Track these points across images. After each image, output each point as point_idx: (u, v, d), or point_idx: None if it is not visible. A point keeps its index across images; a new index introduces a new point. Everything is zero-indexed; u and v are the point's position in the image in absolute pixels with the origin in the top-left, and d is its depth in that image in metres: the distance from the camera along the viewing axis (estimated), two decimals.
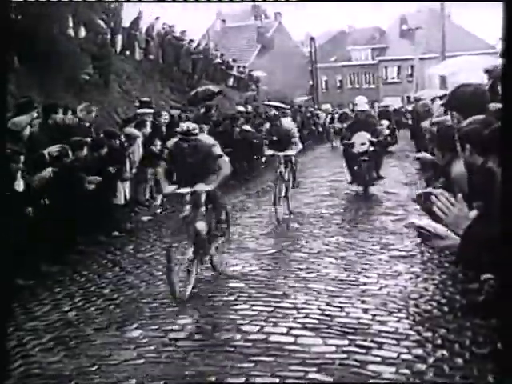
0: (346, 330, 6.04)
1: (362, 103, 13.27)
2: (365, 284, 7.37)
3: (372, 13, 24.50)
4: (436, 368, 5.23)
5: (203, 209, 7.43)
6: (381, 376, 5.15)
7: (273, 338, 5.93)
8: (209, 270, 7.93)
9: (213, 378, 5.24)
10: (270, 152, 11.31)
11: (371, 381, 5.11)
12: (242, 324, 6.30)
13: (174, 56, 20.06)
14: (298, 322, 6.29)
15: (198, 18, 20.81)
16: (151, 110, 12.86)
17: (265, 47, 24.55)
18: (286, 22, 25.22)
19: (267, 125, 12.07)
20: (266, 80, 23.16)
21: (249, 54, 24.54)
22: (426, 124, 11.89)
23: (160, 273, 8.16)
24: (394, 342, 5.73)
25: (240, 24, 25.37)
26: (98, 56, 16.31)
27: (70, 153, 9.23)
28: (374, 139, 12.64)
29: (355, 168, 12.81)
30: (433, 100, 14.77)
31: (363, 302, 6.77)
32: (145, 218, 11.57)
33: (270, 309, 6.69)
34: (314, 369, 5.29)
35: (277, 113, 12.47)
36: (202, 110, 15.05)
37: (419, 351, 5.53)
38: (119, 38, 18.59)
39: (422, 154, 8.40)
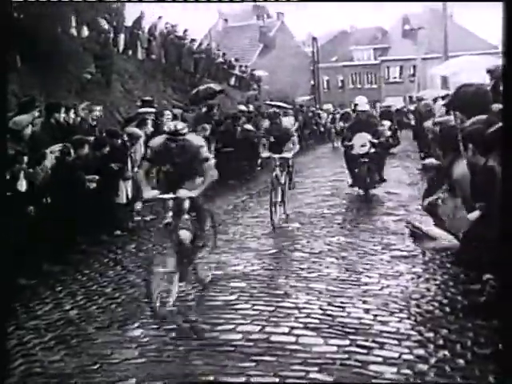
0: (348, 330, 6.04)
1: (362, 103, 12.99)
2: (366, 284, 7.37)
3: (373, 13, 24.43)
4: (437, 368, 5.23)
5: (186, 216, 6.95)
6: (382, 376, 5.16)
7: (274, 338, 5.94)
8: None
9: (212, 377, 5.25)
10: (266, 154, 10.88)
11: (372, 381, 5.12)
12: (243, 324, 6.31)
13: (176, 55, 20.05)
14: (300, 322, 6.29)
15: (200, 17, 20.78)
16: (153, 110, 12.86)
17: (267, 47, 24.52)
18: (287, 22, 25.21)
19: (266, 123, 11.62)
20: (267, 79, 23.13)
21: (251, 53, 24.51)
22: (428, 124, 11.88)
23: None
24: (396, 342, 5.73)
25: (242, 24, 25.34)
26: (100, 55, 16.32)
27: (71, 151, 9.24)
28: (375, 140, 12.28)
29: (356, 170, 12.47)
30: (435, 100, 14.76)
31: (364, 302, 6.77)
32: (147, 217, 11.56)
33: (272, 308, 6.70)
34: (316, 368, 5.29)
35: (277, 110, 11.94)
36: (204, 110, 15.04)
37: (421, 351, 5.53)
38: (121, 37, 18.58)
39: (429, 160, 8.29)
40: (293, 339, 5.90)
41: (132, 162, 10.94)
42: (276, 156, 10.59)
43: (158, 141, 7.09)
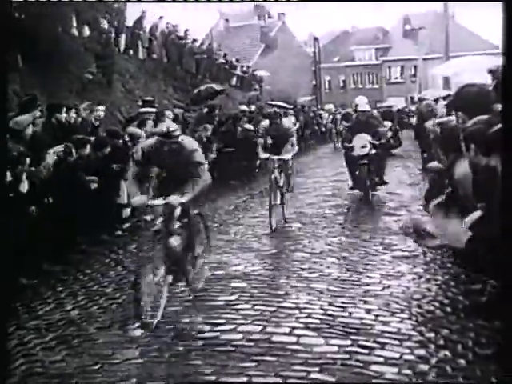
0: (349, 330, 6.04)
1: (362, 103, 12.61)
2: (367, 284, 7.37)
3: (374, 13, 24.42)
4: (439, 369, 5.23)
5: (177, 224, 6.57)
6: (383, 376, 5.15)
7: (275, 338, 5.93)
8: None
9: (213, 378, 5.25)
10: (264, 155, 10.58)
11: (373, 381, 5.11)
12: (243, 324, 6.30)
13: (177, 55, 20.07)
14: (301, 322, 6.28)
15: (202, 17, 20.81)
16: (153, 109, 12.86)
17: (268, 47, 24.52)
18: (289, 22, 25.20)
19: (266, 123, 11.19)
20: (269, 80, 23.13)
21: (252, 53, 24.51)
22: (429, 124, 11.87)
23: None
24: (397, 342, 5.73)
25: (243, 23, 25.34)
26: (101, 55, 16.33)
27: (73, 151, 9.25)
28: (376, 141, 11.94)
29: (356, 172, 12.15)
30: (436, 100, 14.74)
31: (366, 302, 6.76)
32: (148, 217, 11.54)
33: (273, 309, 6.69)
34: (316, 369, 5.29)
35: (278, 110, 11.59)
36: (206, 110, 15.04)
37: (422, 352, 5.52)
38: (123, 37, 18.60)
39: (434, 164, 8.20)
40: (294, 339, 5.89)
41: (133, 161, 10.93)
42: (275, 157, 10.37)
43: (148, 142, 6.76)
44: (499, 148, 3.60)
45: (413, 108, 21.88)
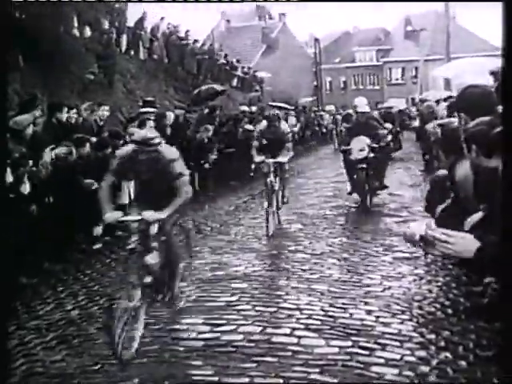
0: (350, 331, 6.03)
1: (361, 104, 12.01)
2: (368, 285, 7.36)
3: (375, 14, 24.45)
4: (439, 370, 5.22)
5: (154, 243, 5.90)
6: (384, 378, 5.14)
7: (275, 339, 5.93)
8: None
9: (214, 379, 5.24)
10: (259, 159, 10.21)
11: (374, 382, 5.10)
12: (244, 324, 6.30)
13: (178, 56, 20.09)
14: (301, 323, 6.28)
15: (202, 18, 20.85)
16: (153, 109, 12.87)
17: (269, 48, 24.54)
18: (290, 23, 25.22)
19: (263, 125, 10.83)
20: (270, 81, 23.15)
21: (253, 54, 24.52)
22: (430, 126, 11.88)
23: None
24: (398, 343, 5.72)
25: (244, 24, 25.36)
26: (102, 55, 16.36)
27: (73, 150, 9.24)
28: (375, 144, 11.40)
29: (354, 177, 11.63)
30: (437, 102, 14.73)
31: (366, 303, 6.76)
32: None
33: (273, 309, 6.69)
34: (317, 370, 5.28)
35: (277, 113, 11.25)
36: (206, 111, 15.05)
37: (422, 353, 5.52)
38: (124, 37, 18.62)
39: (442, 172, 8.08)
40: (294, 340, 5.89)
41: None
42: (270, 161, 10.05)
43: (124, 150, 6.15)
44: (501, 149, 3.58)
45: (413, 109, 21.89)
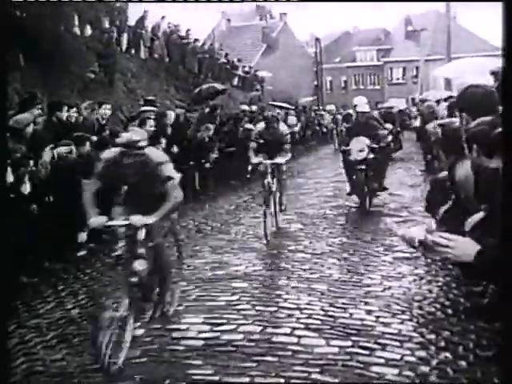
0: (350, 331, 6.03)
1: (361, 104, 11.78)
2: (368, 285, 7.37)
3: (375, 14, 24.45)
4: (439, 370, 5.22)
5: (142, 249, 5.62)
6: (384, 378, 5.15)
7: (276, 339, 5.93)
8: None
9: (215, 378, 5.25)
10: (256, 160, 9.96)
11: (374, 382, 5.11)
12: (244, 324, 6.30)
13: (179, 55, 20.09)
14: (301, 323, 6.28)
15: (203, 17, 20.85)
16: (153, 108, 12.87)
17: (270, 47, 24.53)
18: (290, 23, 25.22)
19: (261, 126, 10.53)
20: (270, 80, 23.14)
21: (254, 53, 24.51)
22: (430, 126, 11.86)
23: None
24: (398, 343, 5.72)
25: (245, 24, 25.36)
26: (103, 54, 16.34)
27: (74, 149, 9.24)
28: (375, 145, 11.17)
29: (354, 177, 11.41)
30: (437, 102, 14.72)
31: (367, 303, 6.76)
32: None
33: (273, 309, 6.69)
34: (317, 369, 5.29)
35: (275, 114, 11.07)
36: (207, 110, 15.05)
37: (423, 353, 5.52)
38: (124, 36, 18.62)
39: (443, 174, 8.05)
40: (294, 340, 5.89)
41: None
42: (268, 162, 9.81)
43: (110, 153, 5.87)
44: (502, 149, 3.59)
45: (414, 109, 21.87)
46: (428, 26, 23.81)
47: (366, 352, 5.57)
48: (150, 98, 14.57)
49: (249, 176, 13.38)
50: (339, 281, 7.57)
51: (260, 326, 6.23)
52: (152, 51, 19.58)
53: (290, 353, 5.61)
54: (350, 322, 6.24)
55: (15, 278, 7.37)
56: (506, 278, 3.10)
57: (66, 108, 10.78)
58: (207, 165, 13.65)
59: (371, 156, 11.09)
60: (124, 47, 18.63)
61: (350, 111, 15.74)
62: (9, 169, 7.57)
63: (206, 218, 11.46)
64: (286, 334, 6.03)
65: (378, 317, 6.36)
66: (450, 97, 12.96)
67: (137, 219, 5.49)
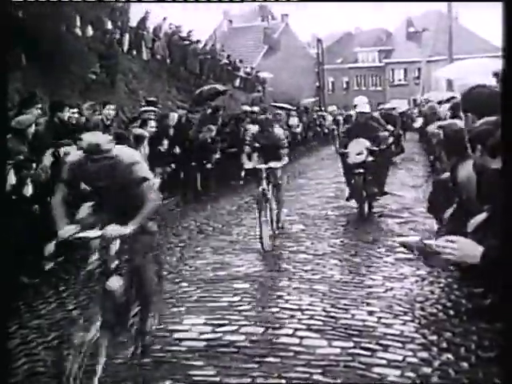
0: (351, 332, 6.02)
1: (361, 104, 11.28)
2: (370, 286, 7.36)
3: (377, 15, 24.48)
4: (441, 371, 5.21)
5: (116, 262, 5.02)
6: (386, 379, 5.14)
7: (277, 340, 5.92)
8: None
9: (216, 379, 5.24)
10: (250, 165, 9.46)
11: (376, 383, 5.10)
12: (246, 325, 6.29)
13: (180, 56, 20.12)
14: (303, 324, 6.27)
15: (204, 18, 20.87)
16: (154, 108, 12.88)
17: (271, 48, 24.56)
18: (292, 24, 25.24)
19: (254, 129, 10.01)
20: (272, 81, 23.17)
21: (255, 54, 24.54)
22: (431, 128, 11.83)
23: (165, 272, 8.16)
24: (400, 344, 5.71)
25: (247, 25, 25.38)
26: (105, 55, 16.37)
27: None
28: (375, 148, 10.67)
29: (352, 181, 10.90)
30: (440, 102, 14.71)
31: (368, 304, 6.75)
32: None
33: (275, 310, 6.69)
34: (319, 370, 5.28)
35: (269, 117, 10.39)
36: (209, 111, 15.07)
37: (425, 354, 5.51)
38: (126, 37, 18.65)
39: (445, 175, 8.00)
40: (296, 341, 5.88)
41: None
42: (262, 166, 9.22)
43: (74, 156, 5.24)
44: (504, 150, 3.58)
45: (415, 111, 21.88)
46: (429, 26, 23.83)
47: (368, 353, 5.56)
48: (151, 98, 14.60)
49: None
50: (341, 282, 7.56)
51: (262, 327, 6.22)
52: (154, 52, 19.62)
53: (291, 354, 5.60)
54: (351, 323, 6.23)
55: (17, 278, 7.36)
56: (507, 278, 3.09)
57: (67, 109, 10.79)
58: (209, 166, 13.67)
59: (370, 159, 10.62)
60: (126, 48, 18.67)
61: (352, 112, 15.55)
62: (11, 171, 7.57)
63: (207, 219, 11.46)
64: (287, 335, 6.02)
65: (379, 318, 6.35)
66: (453, 98, 12.94)
67: (110, 229, 4.82)
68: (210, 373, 5.32)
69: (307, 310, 6.64)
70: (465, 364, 5.32)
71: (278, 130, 10.02)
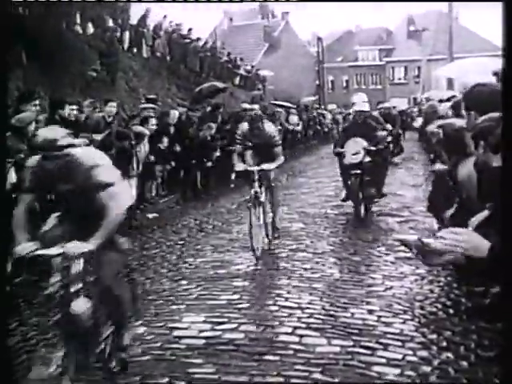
0: (351, 330, 6.03)
1: (360, 102, 10.75)
2: (370, 285, 7.36)
3: (377, 13, 24.47)
4: (441, 370, 5.21)
5: (79, 285, 4.40)
6: (385, 377, 5.14)
7: (277, 338, 5.92)
8: None
9: (215, 377, 5.25)
10: (241, 167, 8.92)
11: (376, 382, 5.10)
12: (245, 323, 6.30)
13: (181, 54, 20.12)
14: (303, 322, 6.28)
15: (203, 17, 20.86)
16: (153, 105, 12.88)
17: (272, 46, 24.55)
18: (292, 22, 25.23)
19: (243, 126, 9.25)
20: (272, 79, 23.17)
21: (255, 53, 24.53)
22: (431, 128, 11.80)
23: (165, 270, 8.18)
24: (399, 343, 5.71)
25: (247, 23, 25.38)
26: (105, 53, 16.37)
27: None
28: (372, 147, 10.27)
29: (349, 182, 10.52)
30: (440, 101, 14.71)
31: (368, 303, 6.75)
32: (150, 215, 11.59)
33: (274, 308, 6.69)
34: (319, 369, 5.28)
35: (258, 113, 9.63)
36: (209, 109, 15.07)
37: (424, 353, 5.51)
38: (127, 35, 18.65)
39: (437, 167, 8.07)
40: (296, 339, 5.89)
41: (137, 160, 10.93)
42: (254, 168, 8.70)
43: (33, 160, 4.57)
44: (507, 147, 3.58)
45: (415, 109, 21.88)
46: (430, 25, 23.83)
47: (368, 352, 5.56)
48: (151, 96, 14.59)
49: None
50: (340, 280, 7.56)
51: (261, 325, 6.22)
52: (154, 50, 19.62)
53: (291, 352, 5.61)
54: (351, 322, 6.23)
55: (17, 275, 7.35)
56: (507, 277, 3.09)
57: (68, 106, 10.78)
58: (209, 163, 13.66)
59: (367, 160, 10.25)
60: (126, 46, 18.67)
61: (350, 111, 15.36)
62: (12, 169, 7.55)
63: (207, 217, 11.47)
64: (287, 334, 6.02)
65: (379, 316, 6.35)
66: (453, 96, 12.95)
67: (71, 247, 4.24)
68: (209, 371, 5.32)
69: (307, 308, 6.64)
70: (464, 363, 5.32)
71: (269, 127, 9.18)
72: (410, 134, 19.76)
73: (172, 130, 12.86)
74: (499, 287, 5.70)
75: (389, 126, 12.82)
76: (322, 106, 23.97)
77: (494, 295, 6.05)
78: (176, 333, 6.12)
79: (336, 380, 5.13)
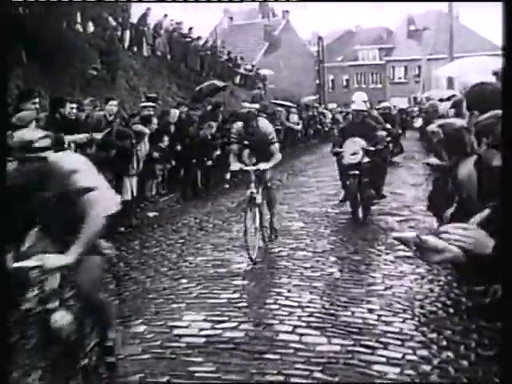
0: (351, 329, 6.03)
1: (359, 101, 10.46)
2: (370, 284, 7.37)
3: (377, 13, 24.49)
4: (441, 369, 5.21)
5: (56, 303, 4.12)
6: (385, 376, 5.14)
7: (277, 337, 5.93)
8: None
9: (216, 375, 5.25)
10: (236, 166, 8.76)
11: (376, 381, 5.11)
12: (246, 322, 6.30)
13: (181, 53, 20.13)
14: (303, 321, 6.28)
15: (203, 17, 20.92)
16: (153, 104, 12.88)
17: (272, 45, 24.56)
18: (293, 21, 25.23)
19: (238, 125, 8.91)
20: (272, 78, 23.17)
21: (256, 52, 24.54)
22: (432, 127, 11.80)
23: (165, 268, 8.18)
24: (399, 342, 5.71)
25: (247, 22, 25.38)
26: (105, 52, 16.37)
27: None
28: (371, 148, 10.03)
29: (347, 183, 10.35)
30: (440, 100, 14.71)
31: (368, 302, 6.76)
32: (150, 214, 11.60)
33: (275, 307, 6.70)
34: (319, 368, 5.28)
35: (252, 110, 8.88)
36: (210, 108, 15.08)
37: (424, 352, 5.51)
38: (127, 33, 18.66)
39: (431, 160, 8.11)
40: (296, 338, 5.89)
41: (138, 159, 10.94)
42: (250, 168, 8.52)
43: (13, 165, 4.07)
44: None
45: (415, 108, 21.88)
46: (430, 25, 23.84)
47: (368, 351, 5.57)
48: (151, 95, 14.60)
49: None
50: (340, 279, 7.57)
51: (261, 323, 6.22)
52: (154, 49, 19.63)
53: (291, 351, 5.61)
54: (351, 321, 6.24)
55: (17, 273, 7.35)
56: (507, 276, 3.09)
57: (68, 105, 10.77)
58: (209, 162, 13.67)
59: (366, 160, 10.02)
60: (126, 44, 18.67)
61: (349, 110, 15.30)
62: None
63: (207, 216, 11.48)
64: (287, 332, 6.02)
65: (379, 316, 6.36)
66: (453, 96, 12.94)
67: (48, 259, 3.92)
68: (209, 369, 5.32)
69: (307, 307, 6.64)
70: (464, 362, 5.32)
71: (264, 124, 8.78)
72: (411, 133, 19.77)
73: (172, 128, 12.87)
74: (499, 287, 5.71)
75: (388, 126, 12.69)
76: (323, 105, 23.97)
77: (493, 294, 6.05)
78: (176, 331, 6.12)
79: (336, 379, 5.13)
